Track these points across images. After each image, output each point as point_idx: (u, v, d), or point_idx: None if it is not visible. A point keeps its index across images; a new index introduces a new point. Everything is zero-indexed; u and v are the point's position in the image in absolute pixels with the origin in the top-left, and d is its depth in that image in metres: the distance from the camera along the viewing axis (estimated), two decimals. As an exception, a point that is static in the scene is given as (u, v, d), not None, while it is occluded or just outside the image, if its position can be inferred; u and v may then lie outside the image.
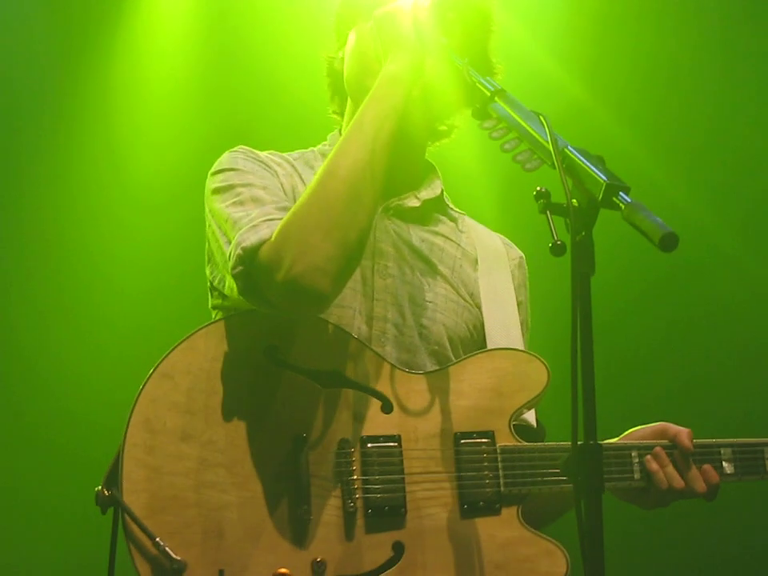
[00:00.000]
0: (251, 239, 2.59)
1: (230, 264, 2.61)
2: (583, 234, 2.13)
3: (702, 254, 5.36)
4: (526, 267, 3.13)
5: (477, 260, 3.01)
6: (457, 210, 3.09)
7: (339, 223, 2.56)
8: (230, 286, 2.69)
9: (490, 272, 3.00)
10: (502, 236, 3.16)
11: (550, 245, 2.16)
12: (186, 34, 5.76)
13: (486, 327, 2.92)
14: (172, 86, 5.74)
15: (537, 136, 2.32)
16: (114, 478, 2.55)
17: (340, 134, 3.00)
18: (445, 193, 3.05)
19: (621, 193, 2.12)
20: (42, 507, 5.41)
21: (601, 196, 2.12)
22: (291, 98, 5.43)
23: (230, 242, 2.66)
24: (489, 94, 2.46)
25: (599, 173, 2.15)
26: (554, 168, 2.20)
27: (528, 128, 2.35)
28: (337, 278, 2.59)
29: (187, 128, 5.62)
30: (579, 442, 2.09)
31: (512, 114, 2.40)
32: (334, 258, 2.54)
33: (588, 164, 2.18)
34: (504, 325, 2.93)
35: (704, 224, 5.41)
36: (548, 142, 2.24)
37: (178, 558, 2.50)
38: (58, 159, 5.67)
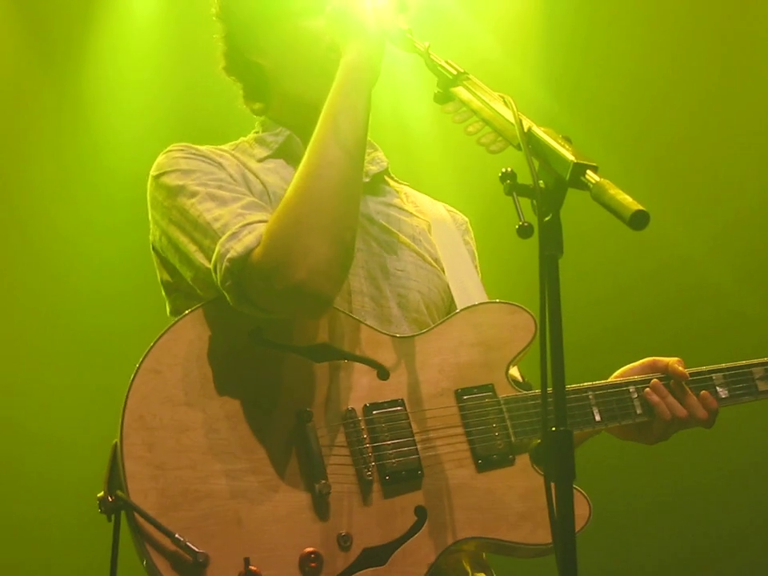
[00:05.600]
0: (237, 249, 2.51)
1: (218, 278, 2.52)
2: (551, 215, 2.07)
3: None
4: (472, 231, 3.11)
5: (429, 227, 2.97)
6: (400, 181, 3.05)
7: (334, 223, 2.50)
8: (198, 293, 2.64)
9: (444, 238, 2.96)
10: (443, 203, 3.12)
11: (517, 227, 2.09)
12: (159, 30, 5.81)
13: (452, 291, 2.88)
14: (145, 85, 5.79)
15: (501, 117, 2.27)
16: (115, 481, 2.46)
17: (271, 119, 2.92)
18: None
19: (589, 171, 2.06)
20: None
21: (568, 176, 2.06)
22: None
23: (200, 249, 2.58)
24: (451, 77, 2.41)
25: (566, 152, 2.09)
26: (520, 149, 2.14)
27: (492, 109, 2.30)
28: (338, 279, 2.56)
29: (159, 129, 5.61)
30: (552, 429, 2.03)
31: (475, 96, 2.35)
32: (333, 259, 2.50)
33: (554, 144, 2.12)
34: (467, 288, 2.89)
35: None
36: (513, 124, 2.18)
37: (201, 551, 2.41)
38: (29, 160, 5.71)
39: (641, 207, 1.98)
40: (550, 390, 2.05)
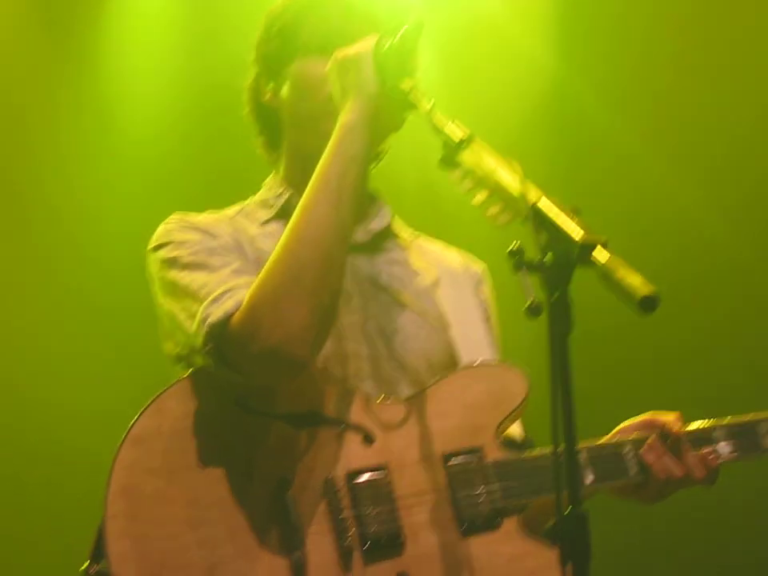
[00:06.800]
0: (216, 314, 2.55)
1: (199, 343, 2.57)
2: (559, 292, 2.07)
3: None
4: (490, 278, 3.05)
5: (437, 281, 2.93)
6: (409, 232, 3.01)
7: (313, 289, 2.52)
8: (197, 360, 2.65)
9: (452, 292, 2.92)
10: (459, 250, 3.07)
11: (525, 306, 2.09)
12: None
13: (457, 348, 2.86)
14: (160, 54, 5.72)
15: (508, 188, 2.26)
16: (99, 553, 2.51)
17: (276, 177, 2.91)
18: (396, 217, 2.95)
19: (598, 249, 2.06)
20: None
21: (576, 253, 2.07)
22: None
23: (189, 316, 2.61)
24: (455, 143, 2.39)
25: (574, 227, 2.09)
26: (527, 223, 2.14)
27: (499, 179, 2.28)
28: (314, 344, 2.56)
29: (172, 96, 5.60)
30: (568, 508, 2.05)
31: (481, 163, 2.33)
32: (310, 326, 2.51)
33: (561, 221, 2.11)
34: (474, 344, 2.86)
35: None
36: (520, 196, 2.17)
37: None
38: (49, 133, 5.69)
39: (649, 292, 1.98)
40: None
